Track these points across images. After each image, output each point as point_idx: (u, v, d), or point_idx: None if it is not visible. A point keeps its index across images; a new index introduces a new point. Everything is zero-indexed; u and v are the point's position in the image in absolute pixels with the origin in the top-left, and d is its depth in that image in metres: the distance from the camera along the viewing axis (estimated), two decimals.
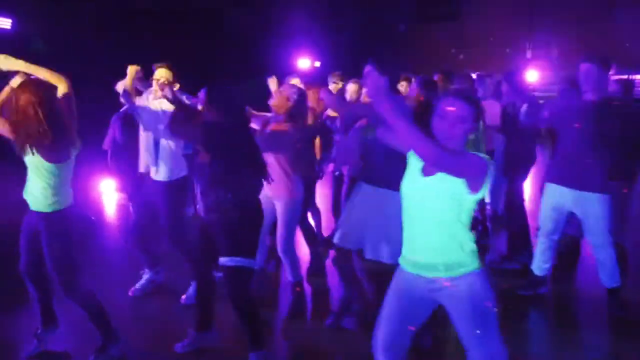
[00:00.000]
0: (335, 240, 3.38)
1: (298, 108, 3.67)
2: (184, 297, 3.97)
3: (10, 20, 6.57)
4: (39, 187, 3.02)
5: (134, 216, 4.22)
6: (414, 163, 2.22)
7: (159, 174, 3.91)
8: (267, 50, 10.67)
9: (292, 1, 11.86)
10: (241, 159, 2.97)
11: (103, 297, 3.19)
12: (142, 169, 4.08)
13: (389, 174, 2.90)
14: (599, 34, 11.53)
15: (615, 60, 3.89)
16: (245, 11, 10.57)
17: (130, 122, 4.36)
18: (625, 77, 7.03)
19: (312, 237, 4.59)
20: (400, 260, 2.29)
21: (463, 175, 2.02)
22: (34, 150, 2.93)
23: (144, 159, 4.03)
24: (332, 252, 4.94)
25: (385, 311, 2.28)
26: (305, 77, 4.71)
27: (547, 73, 10.41)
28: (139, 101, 3.90)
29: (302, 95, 3.68)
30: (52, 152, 2.97)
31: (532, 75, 8.68)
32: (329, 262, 4.45)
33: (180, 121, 3.15)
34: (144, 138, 3.96)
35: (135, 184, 4.25)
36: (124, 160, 4.47)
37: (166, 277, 4.27)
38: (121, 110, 4.48)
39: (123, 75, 3.83)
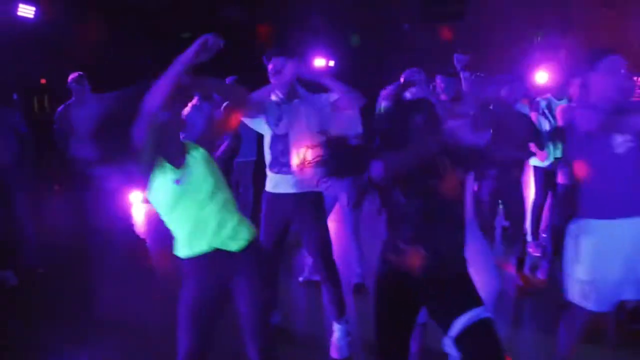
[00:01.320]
0: (590, 307, 2.75)
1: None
2: (334, 350, 3.37)
3: (33, 9, 6.54)
4: (235, 220, 2.29)
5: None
6: None
7: (298, 184, 3.25)
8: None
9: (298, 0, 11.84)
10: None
11: (218, 342, 2.52)
12: (269, 186, 3.40)
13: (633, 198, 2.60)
14: (609, 34, 11.59)
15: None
16: (254, 9, 10.52)
17: None
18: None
19: None
20: None
21: None
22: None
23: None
24: None
25: None
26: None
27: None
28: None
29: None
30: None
31: (542, 77, 8.66)
32: None
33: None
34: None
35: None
36: None
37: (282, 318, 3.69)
38: None
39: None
